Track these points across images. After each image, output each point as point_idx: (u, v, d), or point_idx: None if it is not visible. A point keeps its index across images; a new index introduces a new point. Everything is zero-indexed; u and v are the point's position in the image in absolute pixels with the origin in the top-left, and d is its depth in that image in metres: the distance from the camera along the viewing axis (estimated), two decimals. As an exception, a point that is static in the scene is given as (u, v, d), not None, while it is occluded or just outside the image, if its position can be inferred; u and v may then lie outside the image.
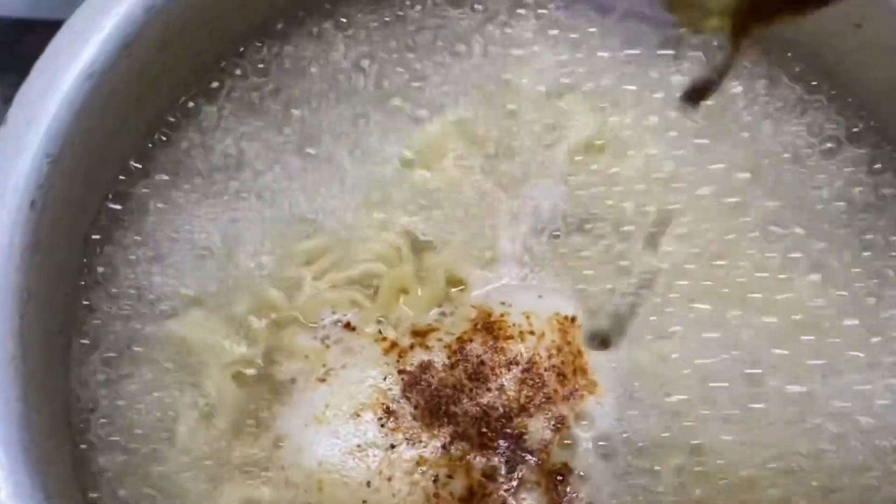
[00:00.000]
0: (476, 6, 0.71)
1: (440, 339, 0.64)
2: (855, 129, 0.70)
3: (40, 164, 0.57)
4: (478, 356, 0.64)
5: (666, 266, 0.67)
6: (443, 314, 0.66)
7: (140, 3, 0.61)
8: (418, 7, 0.71)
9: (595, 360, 0.65)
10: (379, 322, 0.65)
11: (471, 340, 0.64)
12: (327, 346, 0.65)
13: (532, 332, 0.65)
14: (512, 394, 0.63)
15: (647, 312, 0.66)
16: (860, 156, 0.70)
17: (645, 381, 0.65)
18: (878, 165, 0.69)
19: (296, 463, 0.62)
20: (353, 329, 0.65)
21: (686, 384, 0.65)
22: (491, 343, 0.64)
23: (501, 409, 0.63)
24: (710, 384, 0.65)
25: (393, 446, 0.62)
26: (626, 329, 0.66)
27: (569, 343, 0.65)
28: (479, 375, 0.63)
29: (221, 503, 0.62)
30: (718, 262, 0.67)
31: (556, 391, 0.64)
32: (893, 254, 0.68)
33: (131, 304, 0.65)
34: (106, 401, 0.64)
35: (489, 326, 0.65)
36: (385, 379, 0.63)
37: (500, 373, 0.63)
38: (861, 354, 0.66)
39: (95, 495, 0.63)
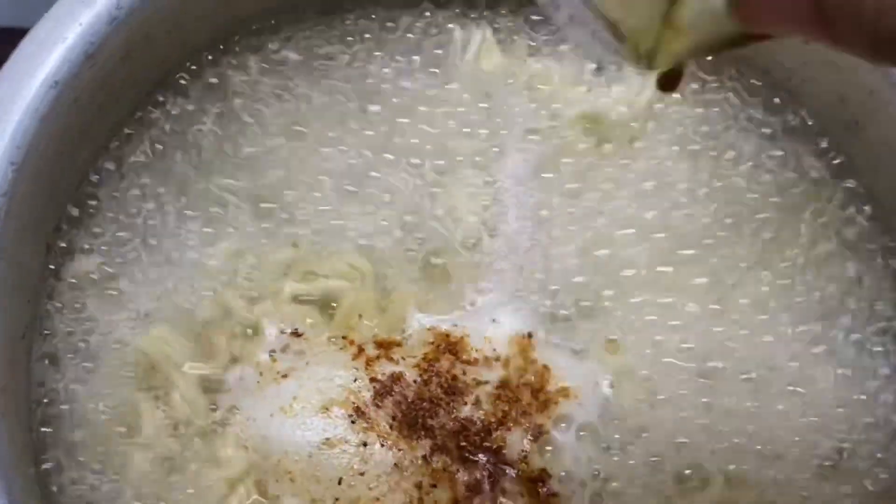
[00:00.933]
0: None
1: (404, 358, 0.65)
2: (804, 143, 0.72)
3: (5, 171, 0.58)
4: (449, 371, 0.65)
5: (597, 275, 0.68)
6: (402, 332, 0.66)
7: (103, 15, 0.62)
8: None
9: (563, 368, 0.66)
10: (332, 340, 0.66)
11: (437, 360, 0.65)
12: (274, 360, 0.65)
13: (497, 359, 0.66)
14: (488, 408, 0.64)
15: (596, 316, 0.68)
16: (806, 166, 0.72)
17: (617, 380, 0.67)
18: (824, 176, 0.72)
19: (261, 448, 0.63)
20: (301, 335, 0.66)
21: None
22: (458, 362, 0.65)
23: (479, 424, 0.64)
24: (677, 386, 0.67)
25: (365, 444, 0.63)
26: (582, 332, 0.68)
27: (533, 361, 0.66)
28: (454, 389, 0.64)
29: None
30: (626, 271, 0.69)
31: (530, 404, 0.65)
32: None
33: (92, 312, 0.66)
34: (67, 406, 0.64)
35: (451, 347, 0.66)
36: (355, 381, 0.64)
37: (475, 388, 0.65)
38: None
39: (59, 498, 0.63)
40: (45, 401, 0.64)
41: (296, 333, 0.66)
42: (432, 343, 0.66)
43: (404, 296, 0.67)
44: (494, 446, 0.63)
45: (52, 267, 0.66)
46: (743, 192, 0.71)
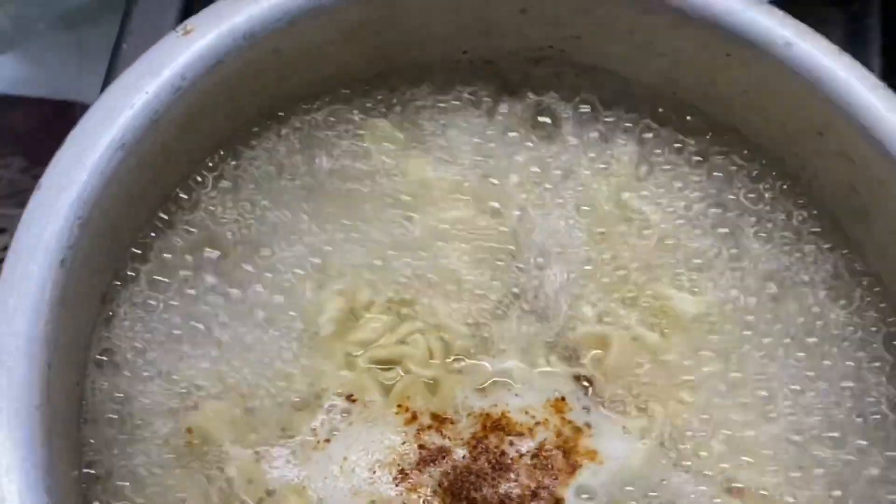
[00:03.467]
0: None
1: (452, 439, 0.67)
2: (814, 229, 0.75)
3: (71, 225, 0.61)
4: (497, 447, 0.67)
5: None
6: (455, 410, 0.69)
7: (168, 84, 0.65)
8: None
9: (598, 430, 0.69)
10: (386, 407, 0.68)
11: (486, 437, 0.67)
12: (316, 434, 0.67)
13: (538, 423, 0.68)
14: (524, 481, 0.66)
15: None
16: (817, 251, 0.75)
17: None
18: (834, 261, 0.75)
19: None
20: (355, 401, 0.68)
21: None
22: (506, 437, 0.68)
23: (517, 499, 0.66)
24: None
25: (405, 504, 0.65)
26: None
27: (569, 422, 0.69)
28: (501, 465, 0.66)
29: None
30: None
31: (560, 470, 0.67)
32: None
33: (137, 372, 0.68)
34: (114, 467, 0.66)
35: (497, 424, 0.68)
36: (403, 444, 0.67)
37: (518, 461, 0.67)
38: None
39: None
40: (93, 456, 0.66)
41: (350, 399, 0.68)
42: (478, 423, 0.68)
43: (455, 379, 0.70)
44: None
45: (104, 321, 0.68)
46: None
